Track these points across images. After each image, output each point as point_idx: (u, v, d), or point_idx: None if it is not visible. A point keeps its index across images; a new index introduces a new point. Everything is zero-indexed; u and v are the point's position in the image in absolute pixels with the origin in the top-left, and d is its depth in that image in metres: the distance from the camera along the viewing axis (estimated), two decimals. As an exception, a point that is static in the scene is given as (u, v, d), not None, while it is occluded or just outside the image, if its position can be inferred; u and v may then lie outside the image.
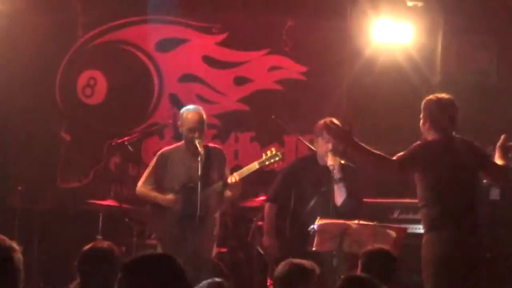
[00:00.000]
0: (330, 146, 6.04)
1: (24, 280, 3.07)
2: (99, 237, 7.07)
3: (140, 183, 6.29)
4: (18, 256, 3.15)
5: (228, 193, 6.19)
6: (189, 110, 6.19)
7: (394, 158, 5.29)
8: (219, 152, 6.28)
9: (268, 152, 6.16)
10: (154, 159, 6.29)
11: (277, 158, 6.14)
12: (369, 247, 4.71)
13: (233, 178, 6.03)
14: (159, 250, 6.03)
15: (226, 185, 6.10)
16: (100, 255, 4.08)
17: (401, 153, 5.30)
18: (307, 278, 4.38)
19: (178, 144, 6.38)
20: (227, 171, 6.28)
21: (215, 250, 6.35)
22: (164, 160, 6.20)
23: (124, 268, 2.93)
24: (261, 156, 6.16)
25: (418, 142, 5.37)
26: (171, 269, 2.91)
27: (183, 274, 2.92)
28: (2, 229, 4.08)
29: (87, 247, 4.15)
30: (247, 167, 6.15)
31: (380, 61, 8.14)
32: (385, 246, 4.81)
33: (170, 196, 6.12)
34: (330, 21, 8.45)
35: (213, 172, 6.09)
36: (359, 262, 4.64)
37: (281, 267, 4.40)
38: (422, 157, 5.27)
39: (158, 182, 6.20)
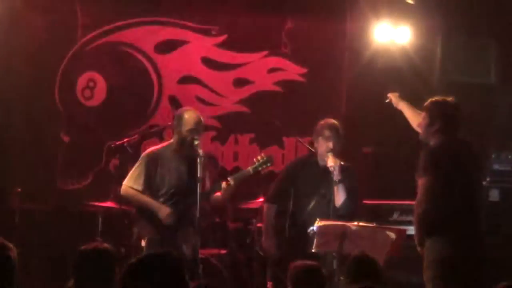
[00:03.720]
0: (330, 144, 6.03)
1: (23, 281, 3.08)
2: (99, 238, 7.06)
3: (127, 183, 6.09)
4: (14, 255, 3.16)
5: (218, 195, 6.14)
6: (188, 111, 6.15)
7: None
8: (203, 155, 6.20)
9: (259, 158, 6.12)
10: (143, 159, 6.10)
11: (268, 164, 6.12)
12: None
13: (228, 184, 5.99)
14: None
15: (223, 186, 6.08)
16: (97, 256, 4.08)
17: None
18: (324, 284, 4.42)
19: (165, 144, 6.28)
20: (207, 175, 6.23)
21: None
22: (154, 160, 6.08)
23: (123, 276, 2.92)
24: (254, 162, 6.13)
25: (425, 150, 5.32)
26: (168, 266, 2.90)
27: (181, 269, 2.92)
28: (2, 230, 4.09)
29: (83, 247, 4.15)
30: (241, 172, 6.13)
31: (380, 62, 8.14)
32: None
33: (165, 209, 5.99)
34: (329, 22, 8.46)
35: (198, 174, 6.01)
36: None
37: (303, 273, 4.41)
38: (435, 165, 5.23)
39: (147, 183, 6.08)
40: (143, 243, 6.11)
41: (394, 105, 5.96)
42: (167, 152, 6.11)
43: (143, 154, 6.19)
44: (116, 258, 4.14)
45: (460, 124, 5.41)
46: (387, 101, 6.00)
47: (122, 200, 6.67)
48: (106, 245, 4.18)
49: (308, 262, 4.60)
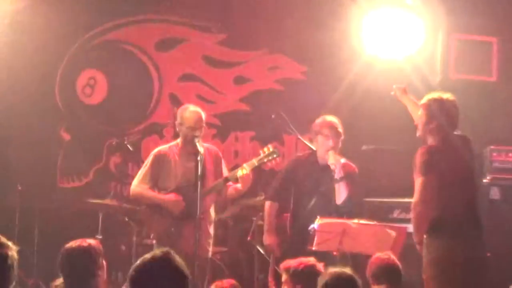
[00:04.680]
0: (330, 143, 6.02)
1: (23, 280, 3.08)
2: (99, 236, 7.07)
3: (135, 182, 6.21)
4: (12, 253, 3.17)
5: (232, 190, 6.16)
6: (189, 109, 6.17)
7: None
8: (214, 151, 6.26)
9: (265, 149, 6.13)
10: (150, 158, 6.23)
11: (275, 155, 6.11)
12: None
13: (244, 170, 5.98)
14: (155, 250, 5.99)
15: (226, 182, 6.09)
16: (80, 253, 4.12)
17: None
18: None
19: (173, 143, 6.35)
20: (224, 169, 6.27)
21: (211, 248, 6.32)
22: (160, 159, 6.16)
23: (131, 280, 2.95)
24: (259, 154, 6.14)
25: (421, 149, 5.31)
26: (171, 268, 2.92)
27: (183, 271, 2.94)
28: (2, 229, 4.09)
29: (66, 246, 4.18)
30: (247, 164, 6.13)
31: (380, 62, 8.13)
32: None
33: (171, 197, 6.06)
34: (330, 21, 8.44)
35: (209, 171, 6.06)
36: None
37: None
38: (431, 164, 5.21)
39: (154, 181, 6.15)
40: (148, 241, 6.17)
41: (399, 98, 5.95)
42: (174, 150, 6.18)
43: (151, 153, 6.28)
44: (100, 252, 4.17)
45: (457, 121, 5.39)
46: (392, 93, 5.99)
47: (128, 198, 6.70)
48: (89, 241, 4.21)
49: (304, 259, 4.61)
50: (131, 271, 2.99)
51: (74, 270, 4.09)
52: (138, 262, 3.00)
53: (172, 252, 3.04)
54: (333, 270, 3.84)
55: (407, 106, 5.85)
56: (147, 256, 3.03)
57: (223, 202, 7.18)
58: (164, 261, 2.97)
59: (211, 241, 6.23)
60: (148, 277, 2.92)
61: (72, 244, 4.19)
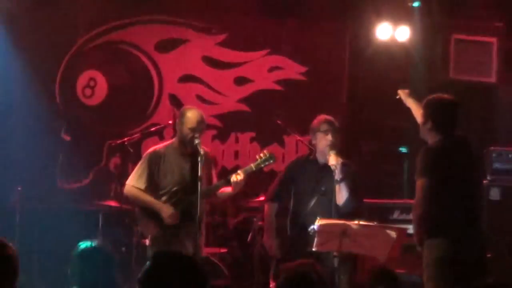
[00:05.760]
0: (329, 137, 6.00)
1: (24, 281, 3.08)
2: (99, 237, 7.07)
3: (130, 182, 6.12)
4: (14, 254, 3.18)
5: (227, 190, 6.16)
6: (190, 110, 6.17)
7: None
8: (207, 154, 6.23)
9: (262, 155, 6.13)
10: (146, 158, 6.15)
11: (271, 161, 6.12)
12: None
13: (238, 176, 5.99)
14: (149, 252, 5.99)
15: (228, 182, 6.09)
16: (93, 255, 4.09)
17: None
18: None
19: (168, 142, 6.30)
20: (213, 172, 6.26)
21: (204, 248, 6.32)
22: (156, 158, 6.11)
23: (155, 258, 2.91)
24: (256, 159, 6.14)
25: (422, 150, 5.31)
26: (196, 271, 2.90)
27: (207, 279, 2.91)
28: (2, 229, 4.10)
29: (79, 249, 4.14)
30: (244, 169, 6.14)
31: (380, 62, 8.14)
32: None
33: (169, 208, 6.00)
34: (330, 21, 8.46)
35: (202, 173, 6.03)
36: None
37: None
38: (432, 165, 5.22)
39: (149, 181, 6.09)
40: (146, 242, 6.14)
41: (404, 102, 5.98)
42: (169, 151, 6.13)
43: (146, 153, 6.22)
44: (111, 253, 4.14)
45: (456, 122, 5.39)
46: (397, 97, 6.03)
47: (124, 199, 6.67)
48: (100, 243, 4.18)
49: (303, 261, 4.58)
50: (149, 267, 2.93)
51: (89, 272, 4.03)
52: (148, 265, 2.94)
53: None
54: (288, 268, 3.84)
55: (412, 108, 5.86)
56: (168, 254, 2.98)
57: (220, 204, 7.20)
58: (189, 262, 2.94)
59: (203, 241, 6.24)
60: (171, 276, 2.88)
61: (85, 245, 4.14)
